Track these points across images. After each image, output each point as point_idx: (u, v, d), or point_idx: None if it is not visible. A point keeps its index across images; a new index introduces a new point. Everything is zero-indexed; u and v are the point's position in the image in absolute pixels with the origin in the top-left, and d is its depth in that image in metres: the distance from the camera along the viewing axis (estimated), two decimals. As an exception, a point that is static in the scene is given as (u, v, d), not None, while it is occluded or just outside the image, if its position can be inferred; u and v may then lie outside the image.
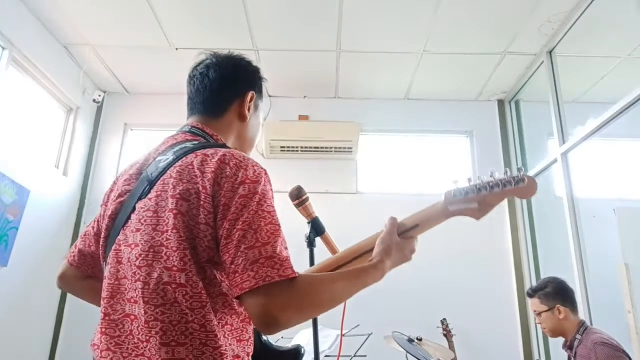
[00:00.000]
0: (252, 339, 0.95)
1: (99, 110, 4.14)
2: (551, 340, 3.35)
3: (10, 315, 3.09)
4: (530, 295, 2.33)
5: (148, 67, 3.81)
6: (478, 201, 1.00)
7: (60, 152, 3.76)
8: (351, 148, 3.93)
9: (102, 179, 3.99)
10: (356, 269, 0.97)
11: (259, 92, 1.16)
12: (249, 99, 1.11)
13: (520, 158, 3.96)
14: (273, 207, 0.89)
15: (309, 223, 1.38)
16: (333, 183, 3.95)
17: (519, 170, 0.98)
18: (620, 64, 3.42)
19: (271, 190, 0.92)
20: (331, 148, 3.93)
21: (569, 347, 2.19)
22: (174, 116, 4.16)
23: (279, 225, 0.87)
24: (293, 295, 0.81)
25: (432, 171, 4.10)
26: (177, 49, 3.51)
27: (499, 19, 3.16)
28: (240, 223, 0.83)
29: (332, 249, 1.36)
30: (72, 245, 3.74)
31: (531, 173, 3.63)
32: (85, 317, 3.57)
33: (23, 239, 3.14)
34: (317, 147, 3.90)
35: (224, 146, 1.00)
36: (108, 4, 3.08)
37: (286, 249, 0.86)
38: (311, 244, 1.37)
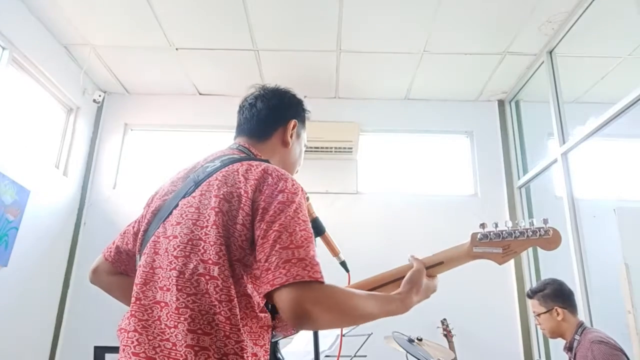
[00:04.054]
0: (268, 347, 0.97)
1: (99, 110, 4.14)
2: (551, 340, 3.34)
3: (10, 315, 3.09)
4: (530, 296, 2.34)
5: (148, 67, 3.80)
6: (502, 247, 1.06)
7: (60, 152, 3.76)
8: (351, 148, 3.93)
9: (102, 179, 3.98)
10: (388, 296, 1.00)
11: (302, 122, 1.27)
12: (291, 126, 1.21)
13: (520, 158, 3.95)
14: (307, 217, 0.95)
15: (309, 223, 1.37)
16: (333, 183, 3.95)
17: (544, 221, 1.04)
18: (620, 64, 3.41)
19: (305, 205, 0.98)
20: (331, 148, 3.93)
21: (568, 348, 2.19)
22: (174, 116, 4.21)
23: (312, 233, 0.93)
24: (324, 295, 0.86)
25: (432, 171, 4.10)
26: (177, 49, 3.51)
27: (499, 19, 3.16)
28: (277, 225, 0.89)
29: (332, 249, 1.36)
30: (72, 245, 3.75)
31: (531, 173, 3.64)
32: (85, 317, 3.58)
33: (23, 239, 3.14)
34: (317, 147, 3.90)
35: (267, 162, 1.07)
36: (108, 4, 3.08)
37: (317, 256, 0.90)
38: (311, 244, 1.37)
